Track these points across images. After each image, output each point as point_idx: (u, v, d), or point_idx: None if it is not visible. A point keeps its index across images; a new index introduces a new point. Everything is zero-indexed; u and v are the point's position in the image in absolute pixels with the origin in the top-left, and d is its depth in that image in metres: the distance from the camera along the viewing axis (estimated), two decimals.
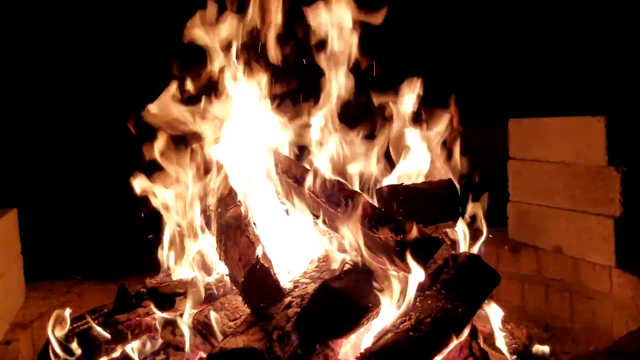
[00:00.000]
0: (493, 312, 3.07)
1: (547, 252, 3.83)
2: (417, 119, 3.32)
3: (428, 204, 3.04)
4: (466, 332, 2.61)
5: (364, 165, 3.29)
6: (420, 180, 3.22)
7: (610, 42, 4.66)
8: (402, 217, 2.95)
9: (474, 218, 3.16)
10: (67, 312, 3.17)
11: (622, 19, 4.58)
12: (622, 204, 3.36)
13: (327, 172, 3.24)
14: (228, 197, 3.18)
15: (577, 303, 3.65)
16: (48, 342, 3.13)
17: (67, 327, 3.13)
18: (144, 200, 3.41)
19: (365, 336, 2.69)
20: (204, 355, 2.80)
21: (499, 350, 2.99)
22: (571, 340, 3.59)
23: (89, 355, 3.08)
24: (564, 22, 4.69)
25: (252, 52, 3.36)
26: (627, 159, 3.40)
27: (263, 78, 3.36)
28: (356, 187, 3.16)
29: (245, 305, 2.85)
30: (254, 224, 3.03)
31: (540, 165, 3.86)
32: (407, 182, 3.16)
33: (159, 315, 3.06)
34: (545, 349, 3.06)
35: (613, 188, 3.37)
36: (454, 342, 2.54)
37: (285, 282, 2.87)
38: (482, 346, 2.79)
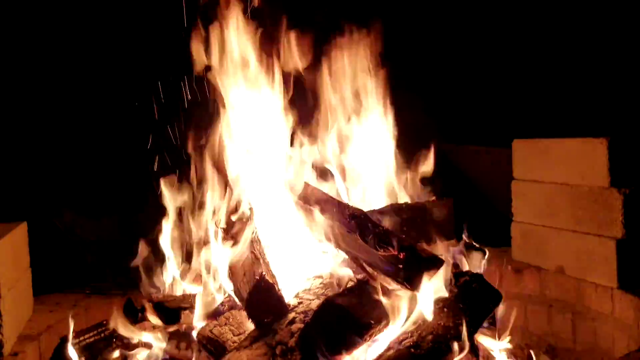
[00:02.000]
0: (495, 331, 3.10)
1: (550, 273, 3.85)
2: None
3: (431, 222, 3.09)
4: (467, 350, 2.63)
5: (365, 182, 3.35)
6: None
7: (615, 63, 4.70)
8: (406, 236, 2.99)
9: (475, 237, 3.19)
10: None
11: (626, 42, 4.62)
12: (624, 225, 3.38)
13: (329, 190, 3.29)
14: (235, 214, 3.23)
15: (579, 323, 3.67)
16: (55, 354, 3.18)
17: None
18: (151, 214, 3.46)
19: (367, 352, 2.72)
20: None
21: None
22: None
23: None
24: (569, 44, 4.74)
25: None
26: (630, 180, 3.42)
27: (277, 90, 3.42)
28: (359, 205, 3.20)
29: (250, 321, 2.89)
30: (260, 240, 3.08)
31: (544, 186, 3.88)
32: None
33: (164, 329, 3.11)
34: None
35: (615, 209, 3.40)
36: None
37: (290, 298, 2.91)
38: None
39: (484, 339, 3.08)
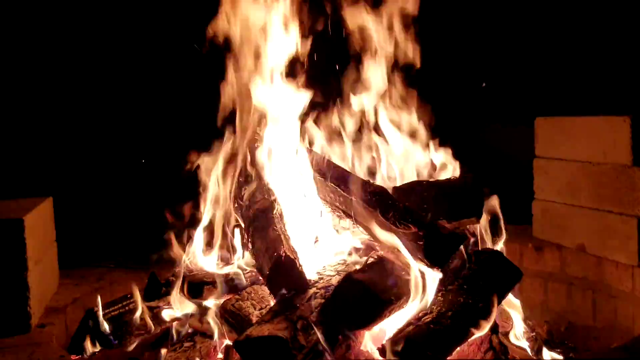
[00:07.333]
0: (515, 308, 3.12)
1: (571, 251, 3.85)
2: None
3: (451, 199, 3.09)
4: (487, 326, 2.65)
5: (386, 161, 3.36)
6: None
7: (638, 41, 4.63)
8: (426, 213, 3.00)
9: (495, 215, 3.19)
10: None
11: None
12: None
13: (350, 168, 3.31)
14: (257, 189, 3.25)
15: (599, 301, 3.67)
16: (81, 326, 3.24)
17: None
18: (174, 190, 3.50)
19: (387, 328, 2.75)
20: (230, 343, 2.87)
21: (519, 346, 3.03)
22: (593, 338, 3.61)
23: (121, 340, 3.19)
24: (593, 20, 4.68)
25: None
26: None
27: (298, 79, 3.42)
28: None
29: (271, 295, 2.92)
30: (282, 216, 3.10)
31: (566, 163, 3.87)
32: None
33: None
34: None
35: (637, 188, 3.38)
36: (474, 336, 2.60)
37: (311, 274, 2.94)
38: (502, 341, 2.83)
39: (504, 316, 3.10)
